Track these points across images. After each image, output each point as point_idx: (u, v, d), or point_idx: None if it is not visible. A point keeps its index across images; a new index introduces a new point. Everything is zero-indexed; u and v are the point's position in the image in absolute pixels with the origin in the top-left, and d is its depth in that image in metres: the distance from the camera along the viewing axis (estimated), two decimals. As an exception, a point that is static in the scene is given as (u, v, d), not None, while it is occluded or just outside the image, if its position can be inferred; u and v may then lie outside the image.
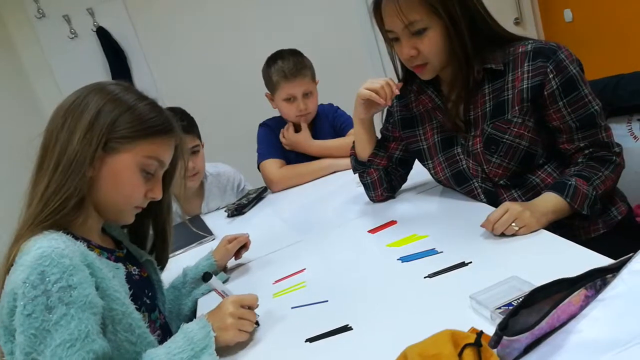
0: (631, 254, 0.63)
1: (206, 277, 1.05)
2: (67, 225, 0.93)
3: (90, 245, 0.97)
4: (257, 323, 0.99)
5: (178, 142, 1.08)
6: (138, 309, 0.96)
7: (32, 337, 0.78)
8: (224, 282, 1.30)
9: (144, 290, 1.06)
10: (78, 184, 0.92)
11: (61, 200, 0.91)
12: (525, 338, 0.58)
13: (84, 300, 0.82)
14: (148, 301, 1.05)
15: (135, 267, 1.08)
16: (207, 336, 0.89)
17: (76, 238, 0.93)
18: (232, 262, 1.40)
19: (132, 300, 0.96)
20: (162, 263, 1.21)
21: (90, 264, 0.88)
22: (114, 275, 0.94)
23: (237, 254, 1.37)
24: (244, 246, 1.37)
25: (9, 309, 0.82)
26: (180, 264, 1.55)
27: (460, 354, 0.56)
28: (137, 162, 0.99)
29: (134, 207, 1.03)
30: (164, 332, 1.08)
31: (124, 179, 0.98)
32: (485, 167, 1.24)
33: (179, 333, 0.92)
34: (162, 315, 1.12)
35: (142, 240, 1.18)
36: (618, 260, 0.64)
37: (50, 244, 0.84)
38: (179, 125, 1.08)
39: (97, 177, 0.96)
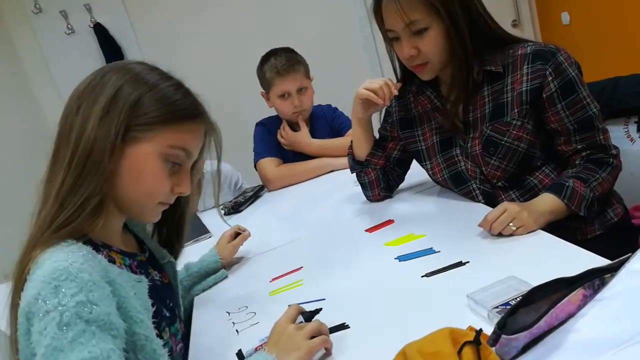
0: (629, 254, 0.63)
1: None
2: (87, 230, 0.82)
3: (112, 252, 0.88)
4: (315, 312, 0.90)
5: (207, 128, 0.94)
6: (159, 325, 0.88)
7: (43, 357, 0.67)
8: (223, 279, 1.29)
9: (166, 301, 0.96)
10: (98, 181, 0.81)
11: (80, 202, 0.80)
12: (523, 337, 0.58)
13: (105, 319, 0.71)
14: (168, 314, 0.94)
15: (157, 272, 0.99)
16: None
17: (97, 244, 0.84)
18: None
19: (154, 315, 0.86)
20: (175, 255, 1.09)
21: (112, 282, 0.77)
22: (136, 292, 0.84)
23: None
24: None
25: (24, 330, 0.72)
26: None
27: (459, 352, 0.56)
28: (161, 152, 0.86)
29: (157, 203, 0.90)
30: (185, 343, 1.00)
31: (146, 172, 0.86)
32: (483, 168, 1.24)
33: None
34: (182, 324, 1.02)
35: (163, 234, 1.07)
36: (616, 260, 0.64)
37: (67, 257, 0.74)
38: (207, 110, 0.94)
39: (116, 170, 0.84)
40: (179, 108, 0.88)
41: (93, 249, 0.81)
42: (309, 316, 0.89)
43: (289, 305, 0.90)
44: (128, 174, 0.85)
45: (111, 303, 0.74)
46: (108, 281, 0.77)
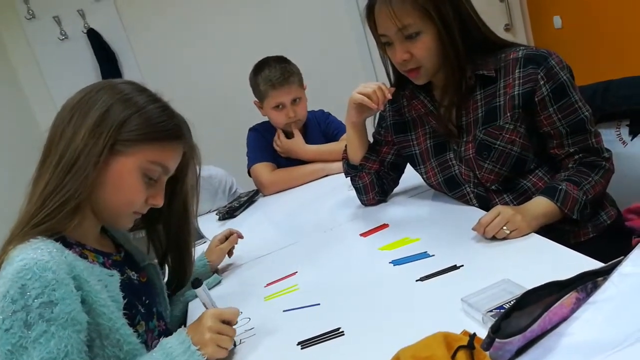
0: (622, 257, 0.63)
1: (195, 283, 0.98)
2: (62, 228, 0.89)
3: (85, 250, 0.94)
4: (234, 344, 0.94)
5: (187, 149, 1.04)
6: (133, 318, 0.93)
7: (9, 353, 0.75)
8: (217, 284, 1.29)
9: (141, 297, 1.02)
10: (80, 186, 0.89)
11: (60, 202, 0.87)
12: (517, 340, 0.58)
13: (66, 317, 0.78)
14: (143, 309, 1.00)
15: (134, 272, 1.05)
16: (187, 351, 0.85)
17: (70, 243, 0.91)
18: (222, 264, 1.39)
19: (127, 308, 0.92)
20: (180, 279, 1.20)
21: (77, 276, 0.84)
22: (107, 285, 0.90)
23: (229, 252, 1.38)
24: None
25: None
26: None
27: (453, 356, 0.56)
28: (141, 167, 0.95)
29: (132, 212, 0.99)
30: None
31: (125, 183, 0.94)
32: (477, 172, 1.24)
33: (157, 348, 0.88)
34: (162, 322, 1.07)
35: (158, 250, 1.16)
36: (609, 264, 0.64)
37: (34, 256, 0.81)
38: (189, 132, 1.05)
39: (98, 179, 0.92)
40: (163, 129, 0.97)
41: (65, 246, 0.88)
42: None
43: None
44: (109, 184, 0.93)
45: (75, 299, 0.81)
46: (73, 276, 0.83)
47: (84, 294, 0.84)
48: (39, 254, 0.81)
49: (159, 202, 1.00)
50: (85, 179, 0.89)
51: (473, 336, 0.57)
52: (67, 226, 0.89)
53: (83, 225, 0.94)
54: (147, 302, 1.03)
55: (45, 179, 0.89)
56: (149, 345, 0.97)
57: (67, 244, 0.90)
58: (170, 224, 1.13)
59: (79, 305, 0.81)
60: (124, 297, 0.93)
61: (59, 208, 0.87)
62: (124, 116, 0.93)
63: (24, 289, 0.78)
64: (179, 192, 1.08)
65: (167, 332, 1.07)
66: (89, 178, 0.90)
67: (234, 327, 0.94)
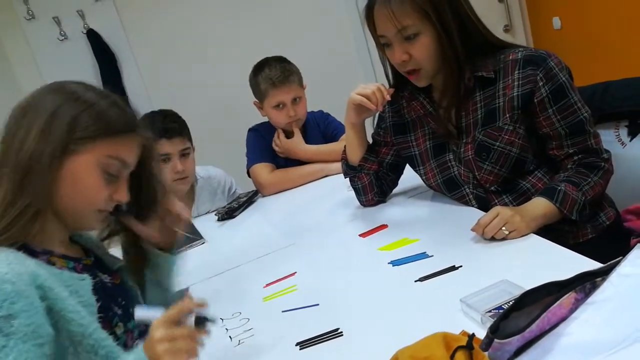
0: (620, 258, 0.63)
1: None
2: (22, 237, 0.86)
3: (52, 257, 0.91)
4: (207, 320, 0.86)
5: (144, 142, 1.00)
6: (110, 320, 0.92)
7: None
8: (185, 290, 1.22)
9: (117, 299, 0.99)
10: (37, 192, 0.86)
11: (18, 212, 0.85)
12: (516, 341, 0.58)
13: (26, 330, 0.75)
14: (120, 311, 0.97)
15: (106, 275, 1.01)
16: None
17: (35, 251, 0.88)
18: (222, 267, 1.38)
19: (102, 311, 0.90)
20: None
21: (41, 285, 0.80)
22: (77, 290, 0.88)
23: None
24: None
25: None
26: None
27: (452, 357, 0.56)
28: (98, 163, 0.92)
29: (96, 211, 0.95)
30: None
31: (84, 182, 0.91)
32: (476, 173, 1.24)
33: None
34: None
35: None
36: (607, 264, 0.65)
37: None
38: (145, 124, 1.01)
39: (55, 181, 0.89)
40: (115, 123, 0.94)
41: (30, 255, 0.85)
42: (199, 322, 0.86)
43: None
44: (67, 184, 0.90)
45: (36, 311, 0.78)
46: (37, 285, 0.80)
47: (50, 302, 0.81)
48: None
49: (123, 197, 0.97)
50: (42, 184, 0.87)
51: (472, 336, 0.57)
52: (28, 234, 0.87)
53: (47, 230, 0.91)
54: (123, 303, 1.00)
55: (2, 187, 0.87)
56: (128, 346, 0.95)
57: (32, 252, 0.87)
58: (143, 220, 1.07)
59: (41, 317, 0.78)
60: (97, 300, 0.90)
61: (18, 217, 0.85)
62: (74, 114, 0.90)
63: None
64: (144, 186, 1.04)
65: (147, 332, 1.04)
66: (45, 183, 0.88)
67: (194, 323, 0.86)
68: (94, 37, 3.00)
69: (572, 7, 2.96)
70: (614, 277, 0.62)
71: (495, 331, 0.59)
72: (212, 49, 3.14)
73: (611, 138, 1.42)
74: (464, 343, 0.57)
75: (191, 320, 0.86)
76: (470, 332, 0.61)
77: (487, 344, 0.59)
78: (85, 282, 0.91)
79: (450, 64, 1.19)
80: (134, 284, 1.10)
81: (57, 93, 0.93)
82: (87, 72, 3.00)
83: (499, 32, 3.21)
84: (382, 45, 1.25)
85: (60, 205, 0.92)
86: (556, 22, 3.08)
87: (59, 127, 0.89)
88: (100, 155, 0.92)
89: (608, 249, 0.92)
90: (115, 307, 0.97)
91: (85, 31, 3.00)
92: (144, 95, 3.11)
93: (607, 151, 1.21)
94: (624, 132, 1.42)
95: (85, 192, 0.92)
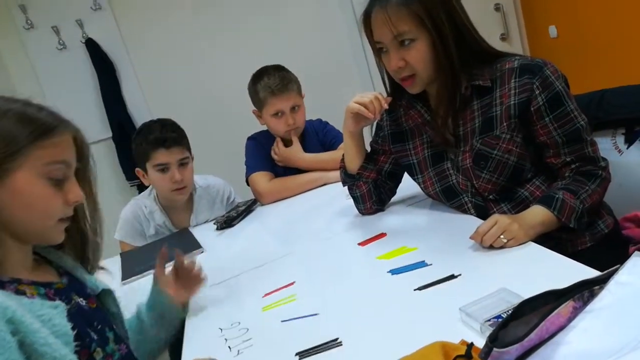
0: (617, 266, 0.64)
1: None
2: None
3: (21, 285, 0.86)
4: None
5: (75, 134, 0.92)
6: (88, 347, 0.88)
7: None
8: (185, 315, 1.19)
9: (93, 323, 0.94)
10: None
11: None
12: (515, 350, 0.58)
13: None
14: (96, 335, 0.92)
15: (82, 298, 0.96)
16: None
17: (1, 281, 0.83)
18: (221, 276, 1.38)
19: (78, 338, 0.85)
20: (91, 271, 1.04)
21: (11, 319, 0.76)
22: (50, 318, 0.82)
23: (191, 287, 1.23)
24: (198, 279, 1.23)
25: None
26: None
27: (451, 366, 0.56)
28: (40, 173, 0.86)
29: (57, 221, 0.90)
30: None
31: (32, 196, 0.85)
32: (474, 182, 1.25)
33: None
34: (123, 345, 0.99)
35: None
36: (605, 272, 0.65)
37: None
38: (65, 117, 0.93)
39: (1, 206, 0.83)
40: (39, 123, 0.87)
41: None
42: None
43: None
44: (16, 206, 0.85)
45: (10, 346, 0.73)
46: (7, 320, 0.75)
47: (21, 336, 0.76)
48: None
49: (79, 196, 0.91)
50: None
51: (470, 345, 0.57)
52: None
53: (8, 258, 0.86)
54: (99, 327, 0.96)
55: None
56: None
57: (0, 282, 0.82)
58: (83, 217, 1.00)
59: (14, 353, 0.74)
60: (73, 328, 0.85)
61: None
62: None
63: None
64: (81, 179, 0.96)
65: (129, 355, 1.01)
66: None
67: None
68: (92, 47, 3.01)
69: (568, 16, 2.98)
70: (611, 285, 0.62)
71: (494, 340, 0.59)
72: (210, 58, 3.16)
73: (608, 146, 1.43)
74: (462, 352, 0.57)
75: None
76: (470, 341, 0.61)
77: (486, 353, 0.59)
78: (58, 309, 0.85)
79: (445, 72, 1.20)
80: (116, 307, 1.05)
81: None
82: (85, 81, 3.01)
83: (495, 41, 3.23)
84: (379, 52, 1.25)
85: (18, 227, 0.86)
86: (552, 30, 3.10)
87: None
88: (38, 164, 0.85)
89: (606, 256, 0.92)
90: (92, 332, 0.92)
91: (84, 40, 3.02)
92: (143, 104, 3.12)
93: (604, 159, 1.21)
94: (620, 140, 1.42)
95: (37, 207, 0.87)
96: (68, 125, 0.92)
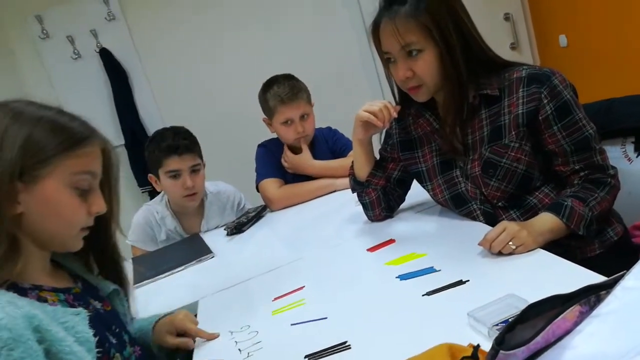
0: (624, 272, 0.64)
1: None
2: (7, 275, 0.81)
3: (42, 292, 0.86)
4: None
5: (104, 145, 0.94)
6: (108, 352, 0.88)
7: None
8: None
9: (111, 327, 0.95)
10: (2, 229, 0.80)
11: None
12: (521, 352, 0.59)
13: None
14: (115, 340, 0.94)
15: (97, 302, 0.97)
16: None
17: (23, 288, 0.83)
18: (231, 281, 1.40)
19: (99, 345, 0.86)
20: (121, 282, 1.05)
21: (38, 327, 0.76)
22: (73, 326, 0.83)
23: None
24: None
25: None
26: (177, 281, 1.56)
27: (457, 367, 0.57)
28: (67, 182, 0.86)
29: (79, 230, 0.91)
30: None
31: (59, 205, 0.86)
32: (483, 190, 1.25)
33: None
34: (136, 347, 1.00)
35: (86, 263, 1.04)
36: (611, 277, 0.65)
37: None
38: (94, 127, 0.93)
39: (27, 212, 0.84)
40: (71, 133, 0.87)
41: (19, 294, 0.80)
42: None
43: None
44: (41, 213, 0.85)
45: (37, 354, 0.74)
46: (33, 328, 0.76)
47: (47, 345, 0.76)
48: None
49: (102, 207, 0.92)
50: (4, 218, 0.81)
51: (477, 347, 0.58)
52: (12, 271, 0.81)
53: (31, 264, 0.86)
54: (117, 330, 0.96)
55: None
56: None
57: (21, 290, 0.82)
58: (98, 233, 0.99)
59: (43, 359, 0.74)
60: (95, 335, 0.85)
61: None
62: (23, 135, 0.82)
63: None
64: (105, 193, 0.96)
65: (143, 356, 1.02)
66: (6, 218, 0.81)
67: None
68: (106, 56, 3.07)
69: (578, 25, 2.98)
70: (618, 290, 0.62)
71: (500, 343, 0.59)
72: (222, 67, 3.19)
73: (618, 154, 1.43)
74: (469, 354, 0.57)
75: None
76: (476, 344, 0.62)
77: (492, 355, 0.59)
78: (80, 316, 0.86)
79: (452, 82, 1.21)
80: (124, 310, 1.05)
81: None
82: (99, 89, 3.06)
83: (505, 50, 3.24)
84: (387, 62, 1.27)
85: (42, 235, 0.87)
86: (562, 39, 3.11)
87: (11, 155, 0.81)
88: (67, 173, 0.86)
89: (616, 264, 0.92)
90: (111, 336, 0.93)
91: (98, 50, 3.07)
92: (155, 112, 3.16)
93: (613, 167, 1.22)
94: (630, 148, 1.42)
95: (62, 215, 0.87)
96: (98, 136, 0.93)
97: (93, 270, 1.04)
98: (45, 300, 0.85)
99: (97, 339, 0.86)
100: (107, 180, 0.97)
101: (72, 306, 0.90)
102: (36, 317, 0.77)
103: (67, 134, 0.87)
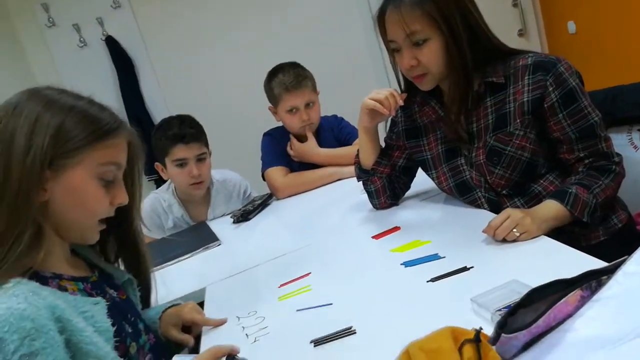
0: (625, 257, 0.65)
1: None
2: (30, 264, 0.81)
3: (63, 281, 0.87)
4: None
5: (130, 137, 0.95)
6: (124, 341, 0.89)
7: None
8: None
9: (127, 316, 0.96)
10: (29, 215, 0.81)
11: (14, 238, 0.79)
12: (523, 336, 0.60)
13: None
14: (131, 329, 0.94)
15: (113, 290, 0.97)
16: None
17: (44, 277, 0.84)
18: (238, 268, 1.41)
19: (116, 334, 0.86)
20: (142, 280, 1.08)
21: (60, 317, 0.77)
22: (93, 315, 0.83)
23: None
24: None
25: None
26: (185, 268, 1.58)
27: (460, 349, 0.58)
28: (94, 172, 0.87)
29: (97, 222, 0.92)
30: (156, 354, 1.00)
31: (84, 195, 0.87)
32: (488, 177, 1.26)
33: None
34: (150, 335, 1.01)
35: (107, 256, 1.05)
36: (613, 263, 0.66)
37: (9, 305, 0.73)
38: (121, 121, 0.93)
39: (52, 199, 0.84)
40: (101, 124, 0.88)
41: (40, 282, 0.81)
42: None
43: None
44: (66, 201, 0.86)
45: (57, 346, 0.74)
46: (55, 318, 0.76)
47: (68, 335, 0.77)
48: (14, 301, 0.74)
49: (124, 199, 0.93)
50: (32, 206, 0.81)
51: (479, 330, 0.59)
52: (35, 260, 0.82)
53: (53, 252, 0.87)
54: (132, 319, 0.97)
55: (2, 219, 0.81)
56: None
57: (42, 279, 0.83)
58: (120, 224, 1.01)
59: (62, 352, 0.75)
60: (113, 324, 0.86)
61: (16, 243, 0.80)
62: (55, 124, 0.83)
63: (1, 342, 0.71)
64: (129, 186, 0.98)
65: (157, 344, 1.03)
66: (36, 205, 0.82)
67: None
68: (112, 44, 3.07)
69: (587, 12, 2.95)
70: (619, 275, 0.63)
71: (502, 326, 0.61)
72: (228, 55, 3.19)
73: (624, 142, 1.43)
74: (471, 337, 0.59)
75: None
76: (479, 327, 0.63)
77: (494, 338, 0.61)
78: (99, 305, 0.87)
79: (457, 71, 1.21)
80: (137, 300, 1.06)
81: (30, 103, 0.85)
82: (105, 77, 3.08)
83: (513, 37, 3.21)
84: (392, 50, 1.27)
85: (63, 223, 0.88)
86: (571, 26, 3.08)
87: (42, 143, 0.82)
88: (94, 163, 0.87)
89: (620, 251, 0.93)
90: (127, 325, 0.94)
91: (104, 38, 3.08)
92: (161, 100, 3.17)
93: (618, 155, 1.22)
94: (636, 136, 1.42)
95: (87, 205, 0.88)
96: (126, 128, 0.94)
97: (110, 258, 1.05)
98: (65, 290, 0.86)
99: (114, 328, 0.87)
100: (131, 172, 0.98)
101: (90, 295, 0.91)
102: (58, 307, 0.78)
103: (97, 125, 0.88)
